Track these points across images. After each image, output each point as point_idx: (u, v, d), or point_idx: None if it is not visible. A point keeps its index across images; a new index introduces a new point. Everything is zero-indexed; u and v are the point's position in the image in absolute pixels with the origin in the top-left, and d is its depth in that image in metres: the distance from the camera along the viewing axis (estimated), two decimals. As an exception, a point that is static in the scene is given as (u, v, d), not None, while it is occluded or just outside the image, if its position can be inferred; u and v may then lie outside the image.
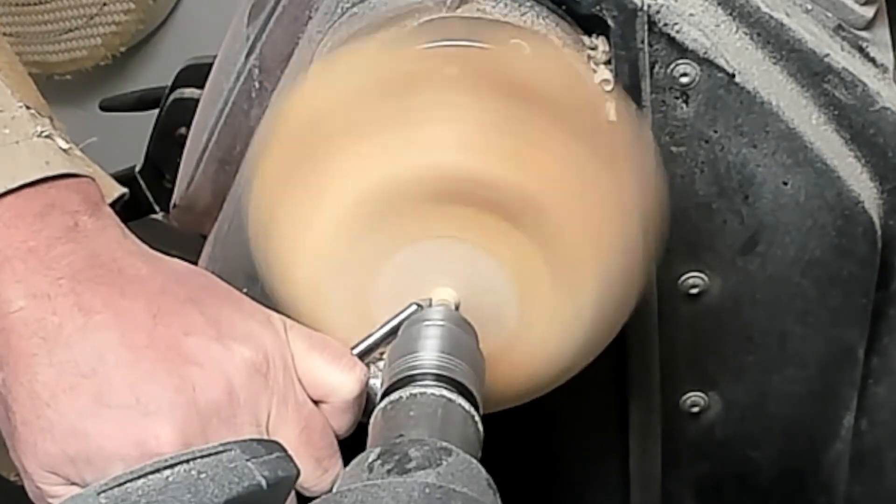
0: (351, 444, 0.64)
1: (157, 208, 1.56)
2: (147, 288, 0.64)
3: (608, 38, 0.77)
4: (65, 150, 0.66)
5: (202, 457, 0.56)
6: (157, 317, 0.63)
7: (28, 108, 0.66)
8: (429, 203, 0.66)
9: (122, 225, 0.67)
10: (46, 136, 0.65)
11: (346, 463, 0.57)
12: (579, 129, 0.68)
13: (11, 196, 0.63)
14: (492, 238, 0.67)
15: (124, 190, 0.71)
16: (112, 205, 0.68)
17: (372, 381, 0.68)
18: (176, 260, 0.67)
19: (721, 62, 0.78)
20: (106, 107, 1.79)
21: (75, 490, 0.63)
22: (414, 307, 0.67)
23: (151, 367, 0.62)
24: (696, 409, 0.89)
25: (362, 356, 0.67)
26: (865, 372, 0.90)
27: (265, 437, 0.64)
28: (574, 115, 0.69)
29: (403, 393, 0.62)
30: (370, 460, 0.56)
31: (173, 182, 1.03)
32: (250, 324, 0.65)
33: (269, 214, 0.70)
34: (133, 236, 0.67)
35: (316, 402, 0.66)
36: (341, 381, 0.66)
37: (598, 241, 0.68)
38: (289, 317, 0.68)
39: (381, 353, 0.68)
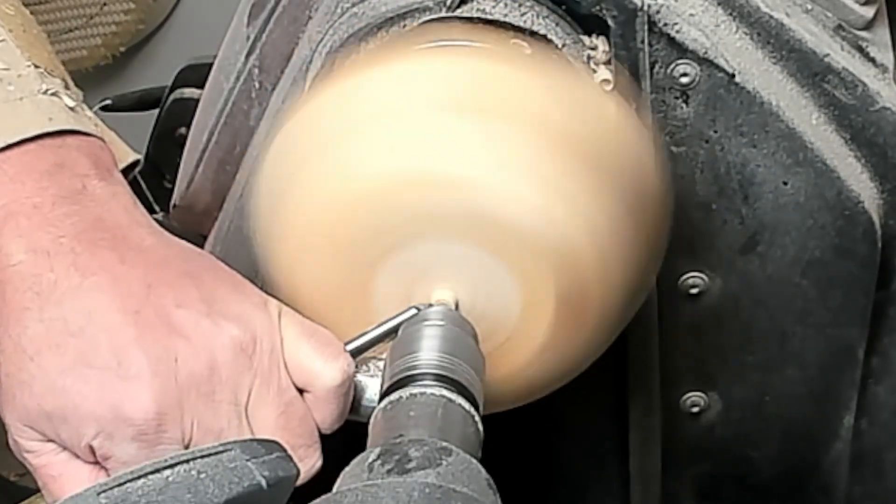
0: (351, 444, 0.64)
1: (157, 208, 1.56)
2: (147, 258, 0.64)
3: (608, 38, 0.77)
4: (71, 109, 0.66)
5: (202, 457, 0.56)
6: (151, 286, 0.63)
7: (38, 67, 0.66)
8: (431, 206, 0.66)
9: (133, 194, 0.67)
10: (53, 94, 0.66)
11: (346, 463, 0.57)
12: (604, 155, 0.68)
13: (19, 151, 0.64)
14: (495, 242, 0.67)
15: (138, 156, 0.72)
16: (128, 170, 0.68)
17: (370, 380, 0.68)
18: (183, 241, 0.67)
19: (721, 62, 0.78)
20: (106, 107, 1.79)
21: (50, 447, 0.64)
22: (413, 311, 0.67)
23: (137, 334, 0.62)
24: (696, 409, 0.89)
25: (357, 353, 0.67)
26: (865, 372, 0.90)
27: (243, 416, 0.64)
28: (593, 130, 0.69)
29: (403, 393, 0.62)
30: (370, 460, 0.56)
31: (173, 182, 1.03)
32: (244, 305, 0.65)
33: (271, 213, 0.70)
34: (143, 208, 0.67)
35: (302, 392, 0.66)
36: (323, 368, 0.66)
37: (607, 263, 0.68)
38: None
39: (381, 353, 0.68)
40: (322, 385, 0.66)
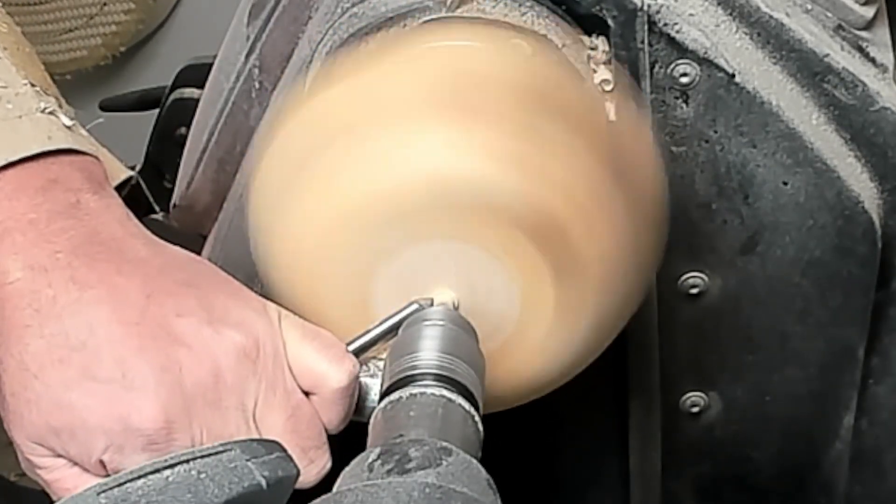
0: (351, 444, 0.64)
1: (157, 208, 1.56)
2: (144, 268, 0.64)
3: (608, 38, 0.77)
4: (68, 128, 0.66)
5: (202, 457, 0.56)
6: (150, 296, 0.63)
7: (33, 85, 0.67)
8: (434, 207, 0.66)
9: (126, 207, 0.67)
10: (50, 113, 0.66)
11: (345, 463, 0.57)
12: (592, 141, 0.68)
13: (14, 169, 0.64)
14: (497, 243, 0.67)
15: (132, 173, 0.72)
16: (121, 187, 0.68)
17: (370, 380, 0.68)
18: (178, 248, 0.67)
19: (721, 62, 0.78)
20: (106, 107, 1.79)
21: (62, 462, 0.63)
22: (415, 306, 0.67)
23: (140, 344, 0.62)
24: (696, 409, 0.89)
25: (360, 352, 0.67)
26: (865, 372, 0.90)
27: (251, 421, 0.64)
28: (586, 125, 0.69)
29: (403, 393, 0.62)
30: (370, 460, 0.56)
31: (173, 182, 1.03)
32: (244, 311, 0.65)
33: (270, 214, 0.70)
34: (136, 220, 0.67)
35: (307, 394, 0.66)
36: (329, 370, 0.66)
37: (601, 246, 0.68)
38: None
39: (382, 353, 0.68)
40: (328, 387, 0.66)
